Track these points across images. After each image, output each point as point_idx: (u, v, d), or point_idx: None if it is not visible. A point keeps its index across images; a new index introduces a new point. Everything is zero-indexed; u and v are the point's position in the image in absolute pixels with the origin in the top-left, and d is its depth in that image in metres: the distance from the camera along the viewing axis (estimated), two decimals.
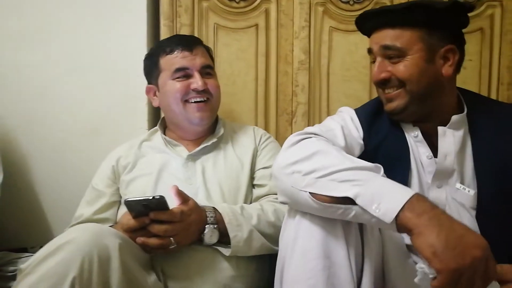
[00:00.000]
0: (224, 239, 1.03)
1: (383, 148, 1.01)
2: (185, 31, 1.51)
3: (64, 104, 1.57)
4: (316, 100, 1.57)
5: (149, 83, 1.30)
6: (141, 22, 1.55)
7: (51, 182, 1.58)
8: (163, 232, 0.96)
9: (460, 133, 0.98)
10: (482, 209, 0.93)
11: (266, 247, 1.06)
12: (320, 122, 1.54)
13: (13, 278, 1.31)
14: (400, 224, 0.73)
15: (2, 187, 1.48)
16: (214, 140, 1.24)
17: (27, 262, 0.86)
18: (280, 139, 1.48)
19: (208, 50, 1.29)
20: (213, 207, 1.05)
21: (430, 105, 0.98)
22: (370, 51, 1.02)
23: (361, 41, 1.55)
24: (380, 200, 0.74)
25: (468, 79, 1.56)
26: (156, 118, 1.59)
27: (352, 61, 1.55)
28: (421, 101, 0.97)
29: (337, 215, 0.80)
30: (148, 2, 1.56)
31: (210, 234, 1.02)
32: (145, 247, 0.97)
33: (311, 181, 0.81)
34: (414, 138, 1.01)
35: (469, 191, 0.95)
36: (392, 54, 0.96)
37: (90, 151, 1.56)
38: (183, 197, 1.00)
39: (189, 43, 1.22)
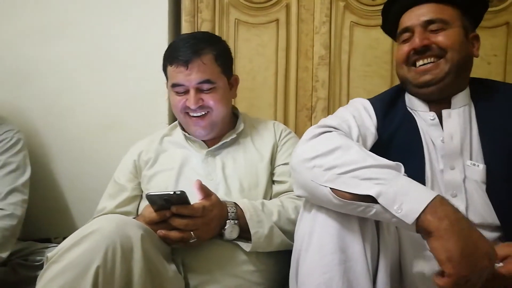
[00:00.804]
0: (244, 234, 1.04)
1: (397, 137, 1.01)
2: (206, 26, 1.52)
3: (85, 98, 1.60)
4: (336, 95, 1.56)
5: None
6: (163, 18, 1.57)
7: (72, 175, 1.62)
8: (184, 226, 0.97)
9: (465, 113, 1.02)
10: (492, 182, 0.95)
11: (286, 243, 1.06)
12: None
13: (39, 267, 1.35)
14: (420, 226, 0.73)
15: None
16: (234, 136, 1.23)
17: (53, 251, 0.88)
18: (299, 134, 1.47)
19: (217, 54, 1.17)
20: (235, 203, 1.05)
21: (459, 82, 1.03)
22: (406, 29, 1.04)
23: (382, 37, 1.51)
24: (402, 200, 0.74)
25: (492, 74, 1.53)
26: None
27: (373, 56, 1.54)
28: (456, 74, 1.00)
29: (356, 212, 0.80)
30: None
31: (230, 230, 1.02)
32: (165, 240, 0.98)
33: (333, 176, 0.81)
34: (430, 120, 1.02)
35: (478, 165, 0.97)
36: (436, 27, 1.01)
37: (111, 145, 1.59)
38: (206, 192, 1.00)
39: (186, 55, 1.13)
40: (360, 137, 0.99)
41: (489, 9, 1.52)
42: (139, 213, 1.19)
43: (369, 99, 1.10)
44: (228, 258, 1.04)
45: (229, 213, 1.02)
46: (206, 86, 1.15)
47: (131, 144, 1.33)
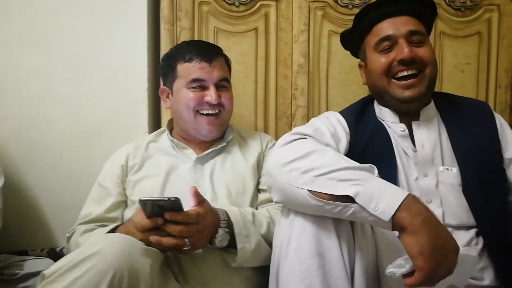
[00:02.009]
0: (233, 243, 1.04)
1: (370, 148, 1.04)
2: (185, 35, 1.52)
3: (65, 107, 1.57)
4: (316, 103, 1.58)
5: (164, 84, 1.30)
6: (142, 26, 1.56)
7: (51, 185, 1.58)
8: (178, 233, 0.95)
9: (433, 124, 1.06)
10: (467, 183, 1.00)
11: None
12: None
13: (17, 281, 1.33)
14: (395, 222, 0.77)
15: (2, 190, 1.49)
16: (223, 144, 1.24)
17: (50, 269, 0.83)
18: None
19: (226, 60, 1.28)
20: (225, 211, 1.05)
21: (429, 96, 1.07)
22: (387, 38, 1.04)
23: None
24: (378, 199, 0.77)
25: (466, 82, 1.58)
26: (157, 121, 1.60)
27: (351, 65, 1.56)
28: (431, 88, 1.05)
29: (333, 213, 0.82)
30: (148, 6, 1.57)
31: (221, 238, 1.01)
32: (158, 247, 0.96)
33: (310, 179, 0.83)
34: (401, 132, 1.06)
35: (451, 169, 1.01)
36: (417, 39, 1.03)
37: (90, 154, 1.57)
38: (199, 199, 1.00)
39: (209, 53, 1.20)
40: (333, 145, 1.01)
41: (462, 19, 1.58)
42: (125, 218, 1.18)
43: (340, 112, 1.12)
44: (223, 266, 1.04)
45: (221, 221, 1.02)
46: (223, 84, 1.22)
47: (110, 153, 1.32)
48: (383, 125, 1.08)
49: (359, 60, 1.18)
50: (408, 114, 1.07)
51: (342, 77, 1.58)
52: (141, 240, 0.94)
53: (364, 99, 1.16)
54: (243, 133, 1.33)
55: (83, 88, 1.57)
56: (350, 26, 1.15)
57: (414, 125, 1.06)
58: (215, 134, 1.23)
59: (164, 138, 1.29)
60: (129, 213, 1.17)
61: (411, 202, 0.77)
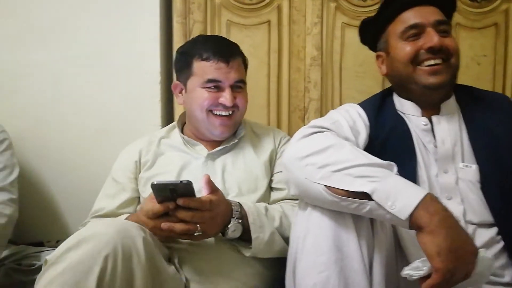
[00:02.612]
0: (244, 235, 1.04)
1: (390, 142, 1.02)
2: (198, 27, 1.52)
3: (78, 101, 1.59)
4: (329, 96, 1.57)
5: (177, 79, 1.26)
6: (154, 19, 1.57)
7: (65, 179, 1.61)
8: (190, 218, 0.94)
9: (454, 118, 1.04)
10: (485, 180, 0.97)
11: (286, 250, 1.04)
12: None
13: (33, 272, 1.35)
14: (413, 221, 0.76)
15: (18, 184, 1.51)
16: (235, 141, 1.24)
17: (52, 254, 0.87)
18: (292, 135, 1.47)
19: (244, 59, 1.25)
20: (239, 202, 1.04)
21: (451, 88, 1.06)
22: (415, 26, 1.02)
23: None
24: (395, 197, 0.76)
25: (482, 74, 1.55)
26: (170, 114, 1.61)
27: (364, 57, 1.55)
28: (454, 79, 1.04)
29: (350, 209, 0.82)
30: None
31: (234, 229, 1.01)
32: (169, 233, 0.95)
33: (327, 174, 0.82)
34: (423, 126, 1.03)
35: (471, 166, 0.99)
36: (444, 29, 1.02)
37: (103, 148, 1.59)
38: (212, 187, 0.99)
39: (227, 54, 1.17)
40: (351, 138, 1.00)
41: (478, 10, 1.55)
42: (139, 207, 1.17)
43: (359, 104, 1.10)
44: (226, 260, 1.04)
45: (233, 212, 1.01)
46: (239, 85, 1.20)
47: (121, 148, 1.32)
48: (403, 118, 1.06)
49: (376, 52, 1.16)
50: (430, 107, 1.05)
51: (356, 69, 1.56)
52: (152, 228, 0.94)
53: (383, 92, 1.14)
54: (256, 129, 1.32)
55: (96, 82, 1.59)
56: (363, 18, 1.14)
57: (435, 120, 1.04)
58: (227, 135, 1.22)
59: (175, 134, 1.28)
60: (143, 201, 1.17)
61: (429, 201, 0.76)
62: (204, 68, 1.16)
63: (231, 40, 1.25)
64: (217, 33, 1.54)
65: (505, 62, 1.55)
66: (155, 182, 0.92)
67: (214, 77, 1.16)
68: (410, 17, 1.03)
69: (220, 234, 1.03)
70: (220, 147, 1.21)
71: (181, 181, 0.92)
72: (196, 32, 1.51)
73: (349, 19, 1.55)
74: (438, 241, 0.74)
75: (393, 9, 1.06)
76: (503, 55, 1.55)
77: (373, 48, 1.17)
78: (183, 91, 1.24)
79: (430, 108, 1.05)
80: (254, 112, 1.56)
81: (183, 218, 0.94)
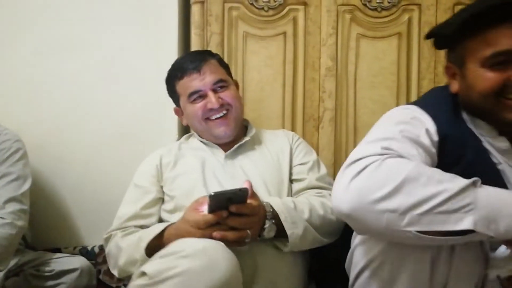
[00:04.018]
0: (280, 233, 1.05)
1: (465, 165, 0.86)
2: (215, 39, 1.55)
3: (96, 109, 1.62)
4: (344, 106, 1.58)
5: (175, 105, 1.35)
6: (172, 31, 1.61)
7: (83, 186, 1.63)
8: (242, 225, 0.96)
9: None
10: None
11: (318, 240, 1.09)
12: (347, 127, 1.57)
13: (51, 278, 1.37)
14: None
15: (37, 191, 1.54)
16: (248, 138, 1.27)
17: (150, 267, 0.86)
18: None
19: (218, 59, 1.29)
20: (268, 203, 1.06)
21: None
22: (505, 53, 0.83)
23: (388, 48, 1.56)
24: (495, 219, 0.71)
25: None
26: None
27: (379, 67, 1.56)
28: None
29: (448, 244, 0.77)
30: (179, 11, 1.61)
31: (269, 229, 1.03)
32: (223, 241, 0.95)
33: (414, 219, 0.71)
34: (503, 149, 0.89)
35: None
36: None
37: (121, 156, 1.61)
38: (252, 192, 1.01)
39: (196, 63, 1.22)
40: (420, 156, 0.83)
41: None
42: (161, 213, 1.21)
43: (426, 110, 0.91)
44: (268, 257, 1.06)
45: (267, 213, 1.03)
46: (220, 85, 1.23)
47: (139, 155, 1.35)
48: (479, 138, 0.90)
49: (447, 60, 0.96)
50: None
51: (371, 79, 1.57)
52: (200, 237, 0.94)
53: (448, 99, 0.94)
54: (265, 133, 1.36)
55: (115, 92, 1.62)
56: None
57: None
58: (231, 133, 1.25)
59: (193, 139, 1.33)
60: (167, 207, 1.20)
61: None
62: (183, 86, 1.24)
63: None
64: (233, 45, 1.57)
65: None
66: (213, 193, 0.92)
67: (193, 89, 1.22)
68: (500, 38, 0.83)
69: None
70: (235, 146, 1.25)
71: (240, 189, 0.94)
72: (213, 43, 1.54)
73: (364, 30, 1.56)
74: None
75: (476, 23, 0.85)
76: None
77: (440, 46, 0.99)
78: (183, 113, 1.31)
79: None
80: (269, 121, 1.58)
81: (234, 225, 0.96)
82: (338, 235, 1.13)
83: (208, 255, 0.84)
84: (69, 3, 1.61)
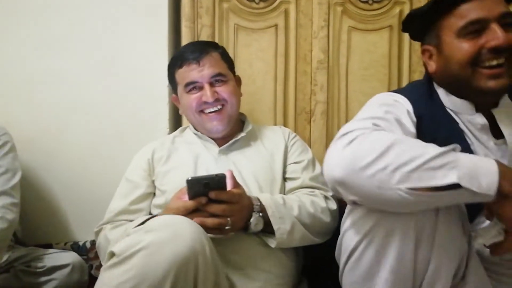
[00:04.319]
0: (267, 228, 1.05)
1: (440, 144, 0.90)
2: (205, 32, 1.54)
3: (87, 106, 1.61)
4: (335, 99, 1.58)
5: (173, 92, 1.34)
6: (163, 24, 1.59)
7: (74, 182, 1.62)
8: (222, 212, 0.96)
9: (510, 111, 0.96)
10: None
11: (307, 238, 1.08)
12: (338, 120, 1.57)
13: (42, 273, 1.36)
14: (498, 193, 0.73)
15: (29, 186, 1.53)
16: (244, 134, 1.26)
17: (118, 246, 0.84)
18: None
19: (221, 53, 1.27)
20: (257, 197, 1.07)
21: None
22: (477, 22, 0.89)
23: (380, 41, 1.56)
24: (477, 176, 0.73)
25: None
26: (177, 118, 1.62)
27: (370, 60, 1.56)
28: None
29: (438, 203, 0.78)
30: (169, 4, 1.60)
31: (255, 222, 1.03)
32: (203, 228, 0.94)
33: (404, 175, 0.74)
34: (480, 124, 0.93)
35: None
36: (508, 21, 0.89)
37: (112, 152, 1.60)
38: (235, 182, 1.02)
39: (197, 54, 1.21)
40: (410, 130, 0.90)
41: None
42: (153, 207, 1.20)
43: (405, 95, 0.97)
44: (255, 252, 1.06)
45: (254, 206, 1.03)
46: (218, 79, 1.22)
47: (132, 151, 1.35)
48: (452, 117, 0.95)
49: (422, 45, 1.01)
50: (486, 103, 0.95)
51: (362, 72, 1.57)
52: None
53: (426, 84, 1.00)
54: (263, 129, 1.35)
55: (105, 87, 1.60)
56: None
57: (497, 115, 0.94)
58: (224, 128, 1.24)
59: (188, 132, 1.33)
60: (157, 201, 1.19)
61: (503, 169, 0.74)
62: (182, 75, 1.23)
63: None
64: (224, 37, 1.55)
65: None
66: (190, 178, 0.94)
67: (190, 80, 1.21)
68: (471, 10, 0.89)
69: (243, 230, 1.05)
70: (230, 142, 1.24)
71: (216, 175, 0.94)
72: (204, 36, 1.53)
73: (355, 23, 1.56)
74: None
75: (450, 1, 0.92)
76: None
77: (417, 38, 1.05)
78: (179, 102, 1.30)
79: (487, 104, 0.95)
80: (261, 114, 1.57)
81: (214, 212, 0.96)
82: (330, 235, 1.13)
83: (172, 227, 0.83)
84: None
